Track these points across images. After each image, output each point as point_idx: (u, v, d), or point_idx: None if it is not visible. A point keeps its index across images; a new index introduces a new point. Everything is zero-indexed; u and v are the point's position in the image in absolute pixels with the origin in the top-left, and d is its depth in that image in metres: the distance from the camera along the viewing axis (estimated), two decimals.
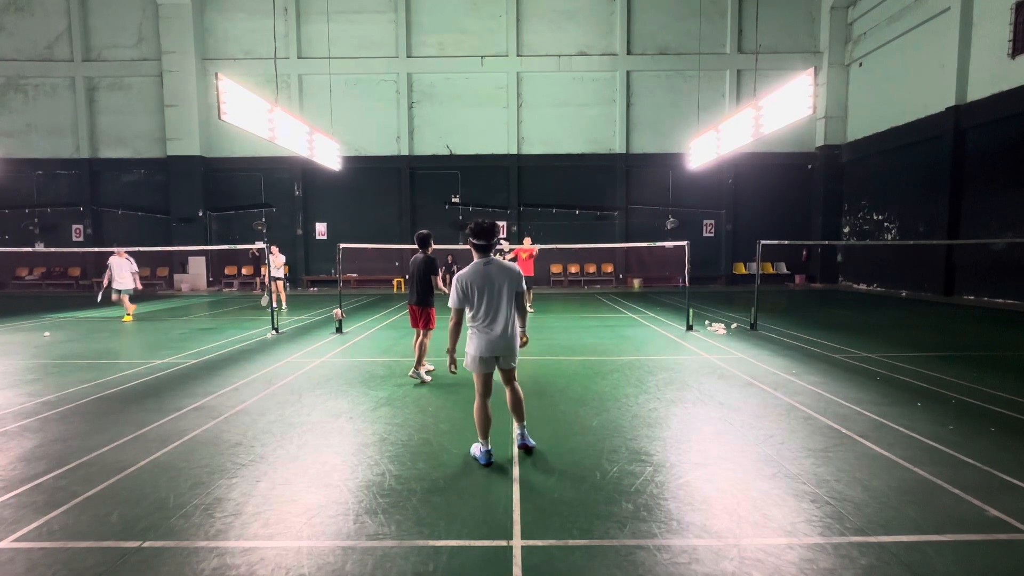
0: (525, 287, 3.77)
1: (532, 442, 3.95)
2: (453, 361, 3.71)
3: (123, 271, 11.66)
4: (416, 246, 6.13)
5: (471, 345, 3.65)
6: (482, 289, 3.58)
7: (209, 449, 4.01)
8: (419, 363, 6.12)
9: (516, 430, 3.97)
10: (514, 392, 3.86)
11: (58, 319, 12.07)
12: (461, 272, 3.64)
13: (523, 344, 3.92)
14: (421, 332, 6.13)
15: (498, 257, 3.72)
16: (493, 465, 3.69)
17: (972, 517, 2.97)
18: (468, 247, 3.72)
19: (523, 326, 3.83)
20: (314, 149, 13.63)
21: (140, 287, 12.25)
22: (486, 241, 3.63)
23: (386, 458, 3.83)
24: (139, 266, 12.13)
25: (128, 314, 11.71)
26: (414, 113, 21.04)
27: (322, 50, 19.95)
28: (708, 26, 20.06)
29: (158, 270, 21.41)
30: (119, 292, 11.66)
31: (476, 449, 3.81)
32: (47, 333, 9.68)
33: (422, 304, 6.07)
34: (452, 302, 3.64)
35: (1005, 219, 13.84)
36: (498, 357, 3.64)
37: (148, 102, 20.89)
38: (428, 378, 6.07)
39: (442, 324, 6.30)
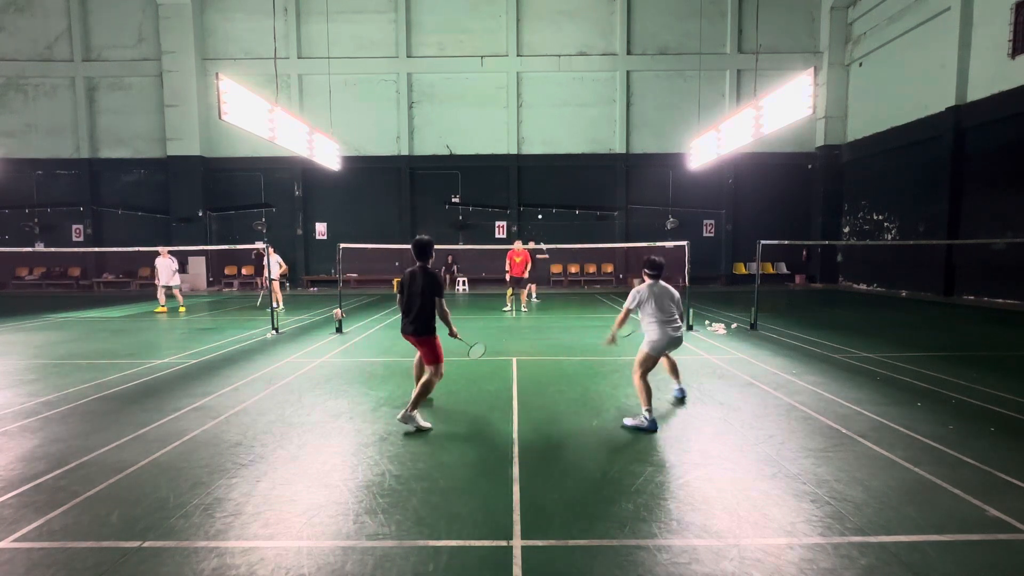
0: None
1: (685, 392, 5.37)
2: (615, 337, 4.95)
3: (166, 270, 13.10)
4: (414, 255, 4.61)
5: (657, 336, 4.71)
6: (655, 299, 4.77)
7: (209, 449, 4.01)
8: (416, 404, 4.46)
9: (675, 385, 5.38)
10: (672, 361, 5.35)
11: (58, 319, 12.07)
12: (640, 287, 4.84)
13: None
14: (429, 369, 4.59)
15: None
16: (493, 465, 3.70)
17: (972, 517, 2.97)
18: (642, 277, 5.03)
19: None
20: (314, 149, 13.63)
21: (179, 284, 13.59)
22: (658, 272, 4.91)
23: (386, 458, 3.83)
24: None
25: (181, 307, 13.28)
26: (414, 113, 21.03)
27: (322, 50, 19.95)
28: (708, 26, 20.06)
29: None
30: (167, 288, 13.19)
31: (642, 417, 4.52)
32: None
33: (423, 333, 4.51)
34: (630, 304, 4.82)
35: (1005, 219, 13.83)
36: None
37: (148, 102, 20.89)
38: (427, 425, 4.45)
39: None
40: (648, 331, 4.80)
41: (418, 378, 4.76)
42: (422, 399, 4.53)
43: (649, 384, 4.66)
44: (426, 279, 4.50)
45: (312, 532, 2.84)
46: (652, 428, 4.43)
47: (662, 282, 4.93)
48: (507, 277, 13.08)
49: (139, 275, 21.13)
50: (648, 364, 4.74)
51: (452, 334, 4.81)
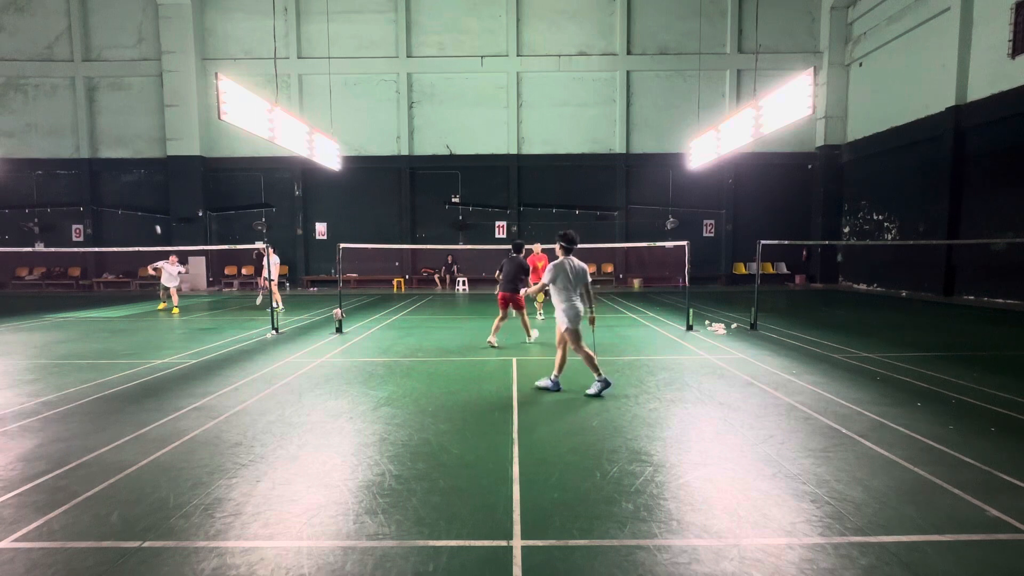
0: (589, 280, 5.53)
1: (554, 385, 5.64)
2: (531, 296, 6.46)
3: (168, 274, 13.60)
4: (512, 250, 8.23)
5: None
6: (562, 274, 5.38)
7: (209, 449, 4.01)
8: (529, 332, 8.38)
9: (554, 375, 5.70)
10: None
11: (58, 319, 12.07)
12: (557, 261, 5.43)
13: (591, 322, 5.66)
14: (515, 312, 8.19)
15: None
16: (493, 465, 3.70)
17: (972, 517, 2.96)
18: (557, 247, 5.53)
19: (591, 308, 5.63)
20: (314, 149, 13.63)
21: (178, 284, 14.10)
22: (573, 245, 5.45)
23: (386, 458, 3.83)
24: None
25: (175, 307, 13.62)
26: (414, 113, 21.04)
27: (322, 50, 19.95)
28: (708, 26, 20.07)
29: None
30: (166, 289, 13.66)
31: (603, 380, 5.43)
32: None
33: (512, 291, 7.82)
34: (546, 279, 5.39)
35: (1005, 219, 13.84)
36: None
37: (148, 102, 20.90)
38: (534, 336, 8.45)
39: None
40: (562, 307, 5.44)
41: (524, 324, 8.50)
42: (529, 328, 8.51)
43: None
44: (518, 264, 8.04)
45: (312, 532, 2.83)
46: (608, 384, 5.42)
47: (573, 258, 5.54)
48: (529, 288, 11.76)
49: (139, 275, 21.15)
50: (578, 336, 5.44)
51: (520, 303, 8.13)
